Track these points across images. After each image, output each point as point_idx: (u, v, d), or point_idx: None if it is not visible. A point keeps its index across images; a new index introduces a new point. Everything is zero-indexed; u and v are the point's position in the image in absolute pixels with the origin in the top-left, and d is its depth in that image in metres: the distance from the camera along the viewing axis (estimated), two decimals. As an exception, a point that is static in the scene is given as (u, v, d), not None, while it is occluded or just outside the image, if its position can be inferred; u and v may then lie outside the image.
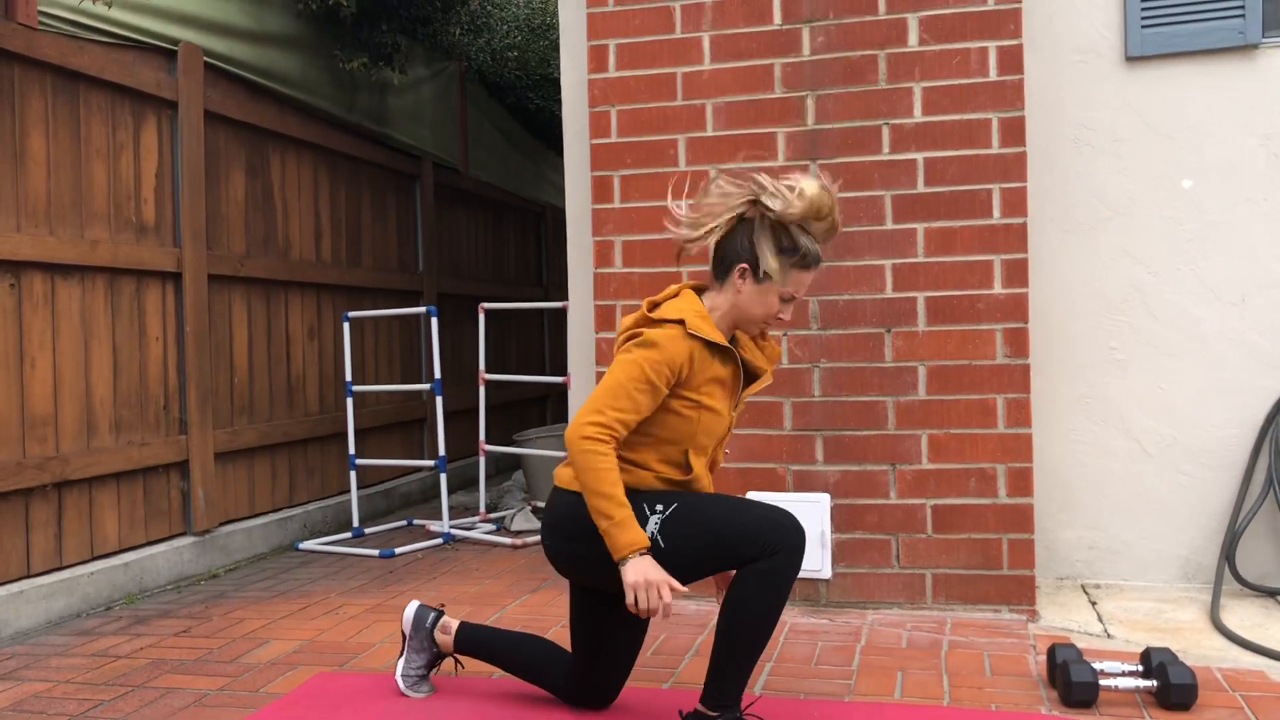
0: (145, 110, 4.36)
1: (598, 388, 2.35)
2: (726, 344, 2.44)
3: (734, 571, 2.51)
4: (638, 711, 2.73)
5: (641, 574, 2.24)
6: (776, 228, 2.41)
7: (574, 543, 2.43)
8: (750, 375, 2.60)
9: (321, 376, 5.57)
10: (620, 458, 2.44)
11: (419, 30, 6.04)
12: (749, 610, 2.31)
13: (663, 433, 2.43)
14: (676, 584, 2.25)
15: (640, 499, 2.41)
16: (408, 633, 2.88)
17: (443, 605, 2.93)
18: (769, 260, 2.39)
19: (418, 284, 6.53)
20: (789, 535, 2.32)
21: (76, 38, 4.01)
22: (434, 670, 2.92)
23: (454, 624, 2.84)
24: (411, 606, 2.88)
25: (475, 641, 2.80)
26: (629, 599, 2.25)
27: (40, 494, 3.82)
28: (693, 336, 2.40)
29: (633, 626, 2.61)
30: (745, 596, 2.32)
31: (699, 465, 2.47)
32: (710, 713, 2.38)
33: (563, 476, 2.50)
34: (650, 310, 2.48)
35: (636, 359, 2.34)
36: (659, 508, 2.38)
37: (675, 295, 2.52)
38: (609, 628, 2.59)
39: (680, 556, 2.36)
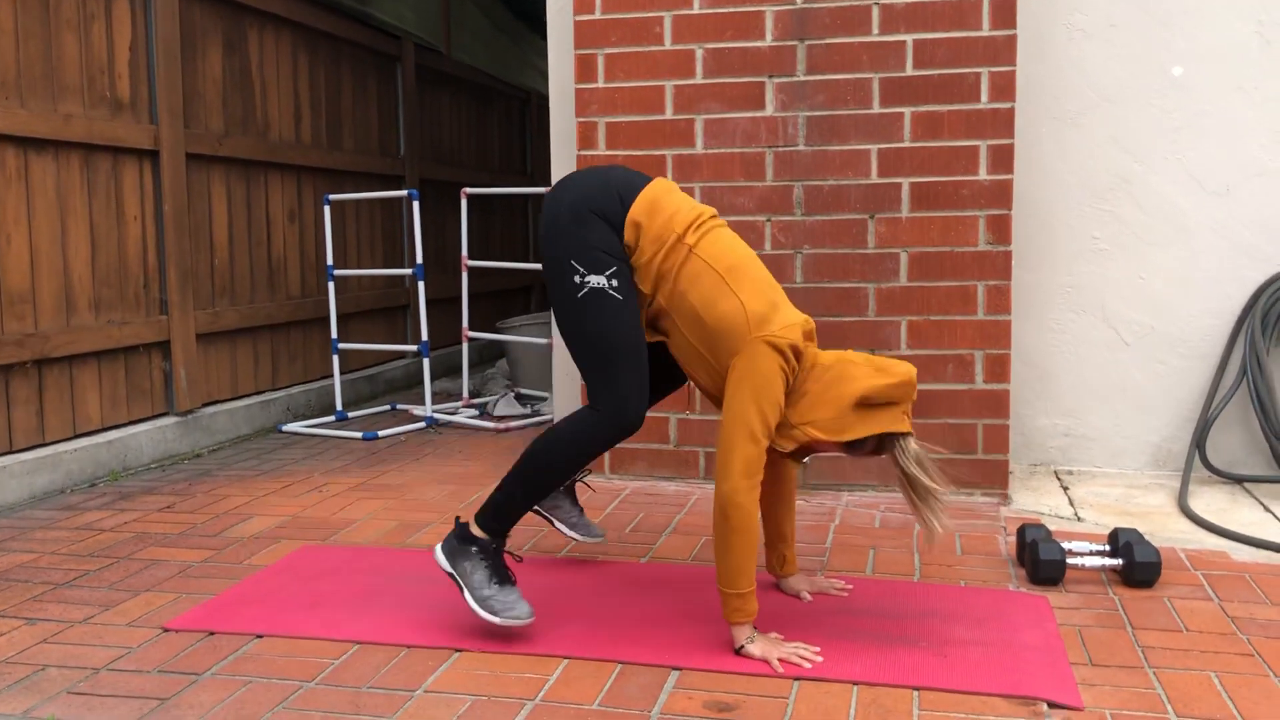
0: (116, -20, 4.24)
1: (741, 432, 2.27)
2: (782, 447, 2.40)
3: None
4: (616, 582, 2.79)
5: (767, 653, 2.29)
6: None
7: (593, 229, 2.42)
8: None
9: (303, 260, 5.53)
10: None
11: (399, -97, 5.85)
12: (559, 444, 2.40)
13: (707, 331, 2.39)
14: (807, 651, 2.31)
15: (608, 257, 2.39)
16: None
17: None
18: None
19: (399, 168, 6.45)
20: (622, 411, 2.36)
21: (42, -99, 3.88)
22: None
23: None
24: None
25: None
26: (776, 667, 2.27)
27: (20, 371, 3.81)
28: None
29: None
30: (565, 431, 2.40)
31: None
32: (476, 532, 2.46)
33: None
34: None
35: (767, 406, 2.28)
36: (614, 283, 2.38)
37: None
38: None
39: (576, 322, 2.39)
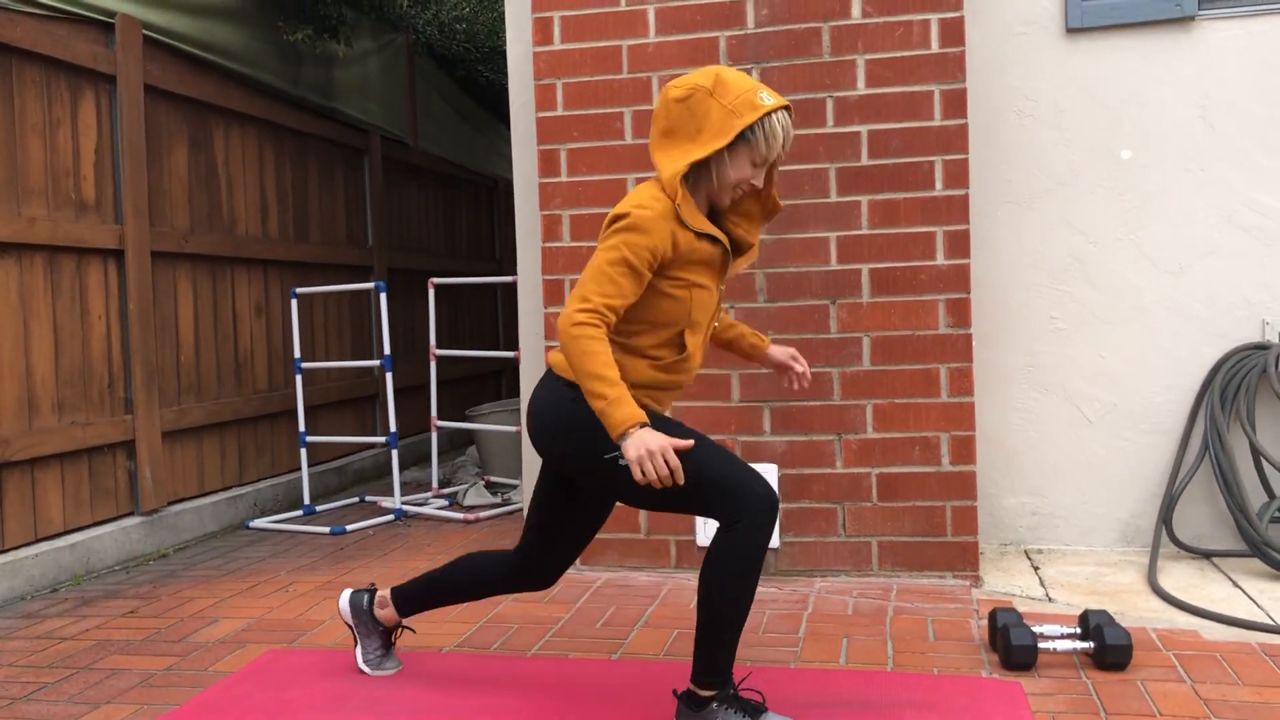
0: (82, 84, 4.28)
1: (583, 275, 2.29)
2: (714, 232, 2.36)
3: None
4: (587, 684, 2.75)
5: (641, 446, 2.15)
6: None
7: (559, 432, 2.37)
8: (737, 249, 2.52)
9: (270, 353, 5.52)
10: (615, 344, 2.37)
11: (364, 1, 5.96)
12: (727, 576, 2.26)
13: (657, 317, 2.36)
14: (680, 442, 2.19)
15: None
16: (350, 623, 2.88)
17: (372, 584, 2.84)
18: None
19: (368, 259, 6.48)
20: (764, 500, 2.27)
21: (7, 9, 3.92)
22: (393, 644, 2.90)
23: (387, 595, 2.83)
24: (344, 596, 2.89)
25: (413, 598, 2.78)
26: (635, 474, 2.17)
27: (-19, 476, 3.77)
28: (679, 222, 2.32)
29: (596, 509, 2.59)
30: (722, 563, 2.26)
31: (694, 344, 2.42)
32: (701, 692, 2.34)
33: (556, 361, 2.43)
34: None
35: (617, 243, 2.27)
36: None
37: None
38: (573, 511, 2.56)
39: (655, 492, 2.32)
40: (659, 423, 2.39)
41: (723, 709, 2.32)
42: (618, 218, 2.31)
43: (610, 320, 2.26)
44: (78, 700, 2.78)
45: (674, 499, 2.32)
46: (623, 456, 2.27)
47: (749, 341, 2.72)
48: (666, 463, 2.15)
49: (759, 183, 2.38)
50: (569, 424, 2.36)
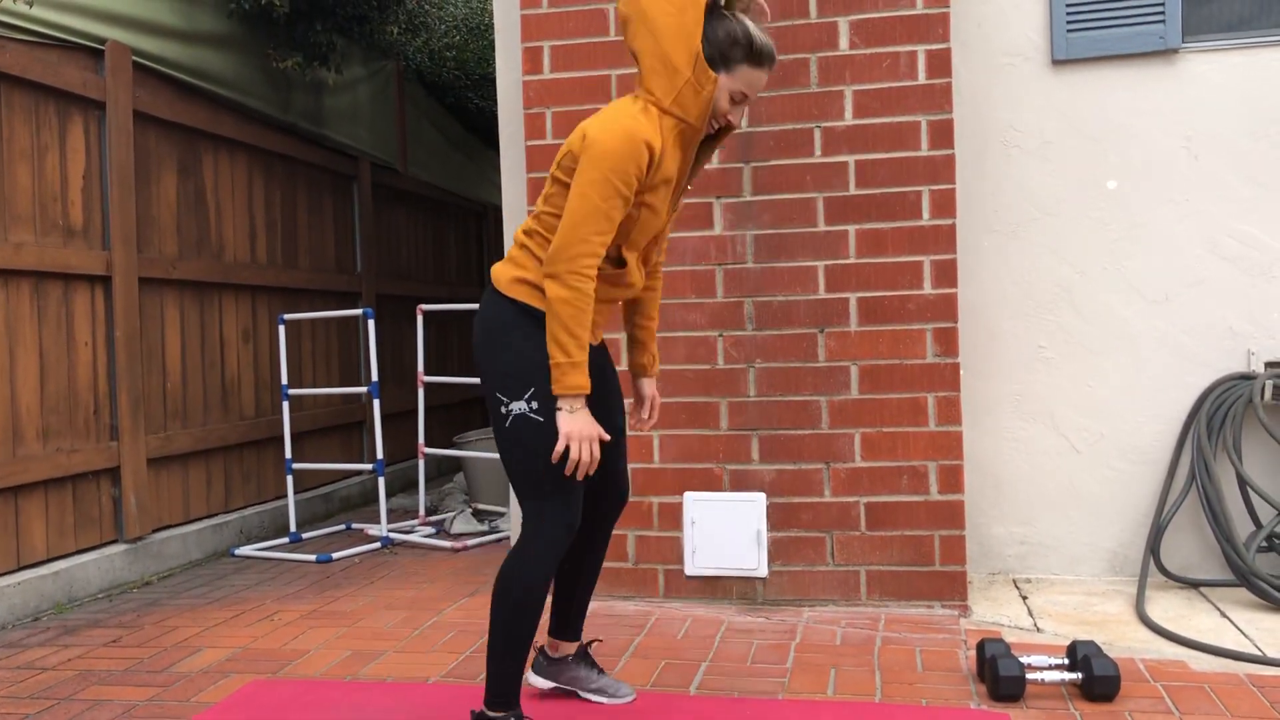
0: (71, 110, 4.28)
1: (573, 208, 2.25)
2: (713, 123, 2.41)
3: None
4: (573, 715, 2.73)
5: (580, 425, 2.28)
6: (731, 22, 2.34)
7: (497, 350, 2.38)
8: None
9: (257, 380, 5.50)
10: None
11: (355, 29, 5.98)
12: (501, 588, 2.39)
13: None
14: (604, 435, 2.33)
15: (533, 378, 2.35)
16: None
17: None
18: (724, 53, 2.34)
19: (356, 285, 6.47)
20: (556, 522, 2.36)
21: (-2, 37, 3.93)
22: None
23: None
24: None
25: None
26: (560, 447, 2.28)
27: (-36, 503, 3.73)
28: (671, 116, 2.33)
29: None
30: (501, 575, 2.40)
31: (632, 260, 2.43)
32: (493, 714, 2.42)
33: (501, 277, 2.41)
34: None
35: (606, 174, 2.23)
36: (534, 405, 2.34)
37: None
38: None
39: (515, 450, 2.36)
40: (598, 373, 2.52)
41: None
42: (601, 141, 2.25)
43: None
44: (58, 732, 2.75)
45: (520, 472, 2.36)
46: (526, 408, 2.33)
47: (640, 357, 2.75)
48: (592, 451, 2.29)
49: (735, 120, 2.41)
50: (513, 351, 2.36)
